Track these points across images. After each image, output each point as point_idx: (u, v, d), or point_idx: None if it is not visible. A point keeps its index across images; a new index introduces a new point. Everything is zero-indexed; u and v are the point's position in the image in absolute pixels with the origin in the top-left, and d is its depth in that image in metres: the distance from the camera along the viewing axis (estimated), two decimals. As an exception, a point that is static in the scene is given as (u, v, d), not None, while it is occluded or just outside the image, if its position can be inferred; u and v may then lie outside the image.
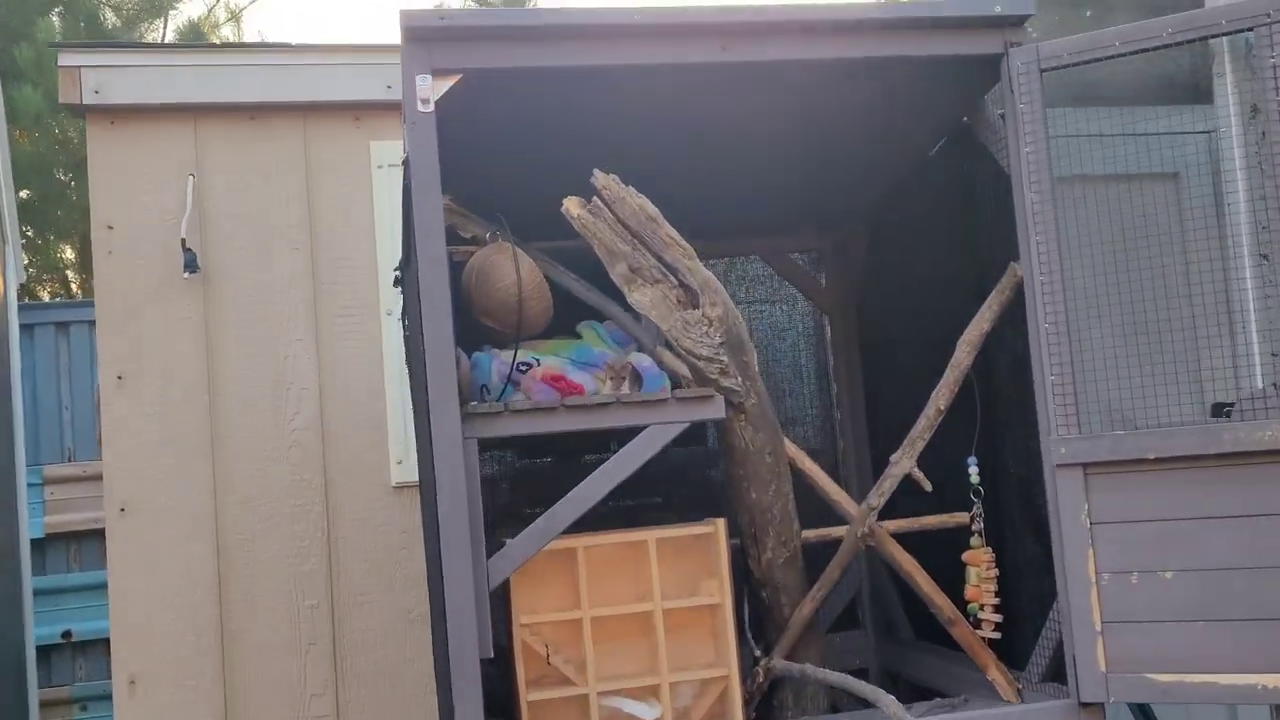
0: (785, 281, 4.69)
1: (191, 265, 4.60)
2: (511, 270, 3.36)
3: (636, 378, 3.47)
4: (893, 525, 3.76)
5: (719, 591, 3.49)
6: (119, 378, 4.62)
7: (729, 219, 4.35)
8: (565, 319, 4.02)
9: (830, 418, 4.71)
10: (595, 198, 3.33)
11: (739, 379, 3.45)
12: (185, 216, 4.63)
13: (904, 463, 3.56)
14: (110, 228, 4.66)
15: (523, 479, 4.53)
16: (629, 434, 3.39)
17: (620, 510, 4.13)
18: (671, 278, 3.37)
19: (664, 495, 4.43)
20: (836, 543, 3.75)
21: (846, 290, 4.63)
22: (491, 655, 3.18)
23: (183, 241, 4.60)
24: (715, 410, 3.38)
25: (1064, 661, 3.40)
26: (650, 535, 3.48)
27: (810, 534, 3.80)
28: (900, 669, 4.37)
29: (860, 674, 4.55)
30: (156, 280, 4.66)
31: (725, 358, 3.39)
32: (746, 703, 3.66)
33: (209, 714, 4.58)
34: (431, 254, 3.18)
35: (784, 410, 4.68)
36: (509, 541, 3.26)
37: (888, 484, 3.58)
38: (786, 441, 3.64)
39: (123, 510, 4.59)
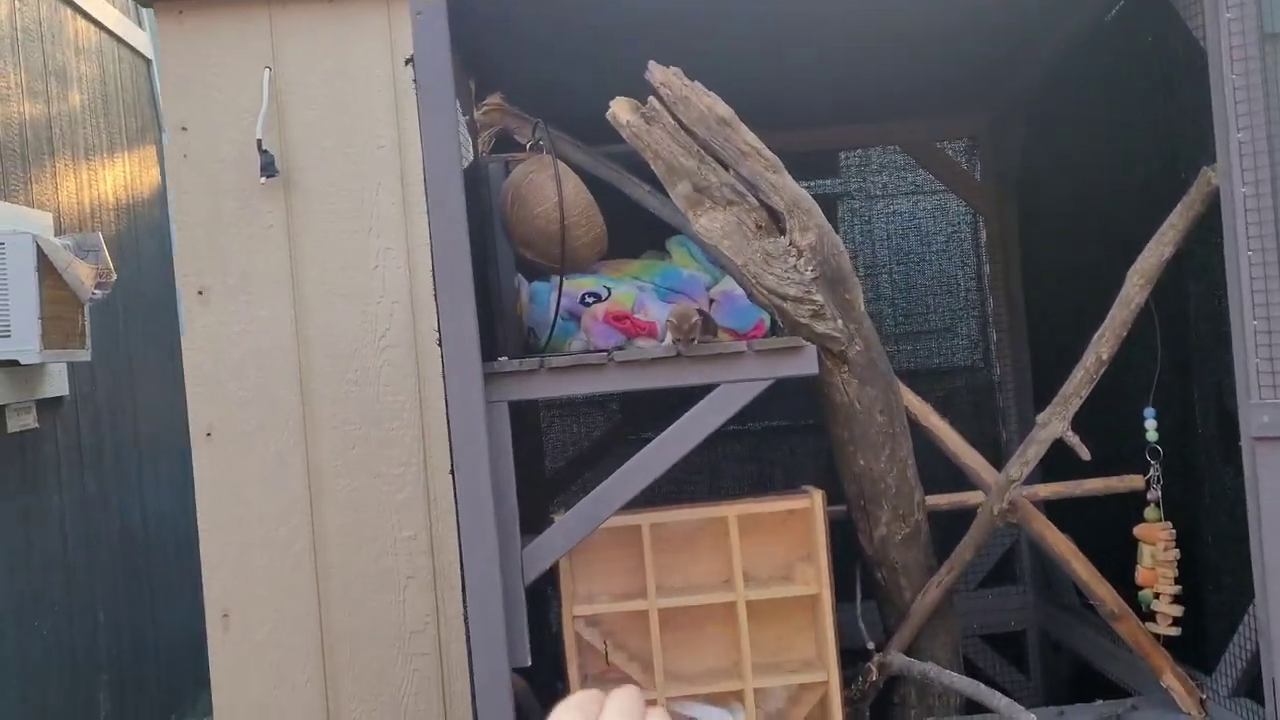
0: (930, 174, 3.70)
1: (269, 169, 3.90)
2: (552, 191, 2.52)
3: (707, 326, 2.62)
4: (1044, 490, 2.83)
5: (816, 579, 2.66)
6: (199, 293, 3.98)
7: (860, 100, 3.38)
8: (654, 235, 3.17)
9: (985, 336, 3.75)
10: (652, 99, 2.45)
11: (838, 321, 2.56)
12: (261, 114, 3.92)
13: (1054, 425, 2.62)
14: (184, 129, 3.98)
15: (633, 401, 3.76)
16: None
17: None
18: (749, 198, 2.48)
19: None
20: (973, 512, 2.86)
21: (1004, 184, 3.61)
22: (528, 663, 2.44)
23: (259, 143, 3.89)
24: (805, 364, 2.50)
25: (1261, 676, 2.46)
26: (731, 510, 2.66)
27: (940, 500, 2.91)
28: (1063, 638, 3.47)
29: (1016, 638, 3.68)
30: (236, 185, 3.98)
31: (819, 296, 2.50)
32: (856, 703, 2.84)
33: (306, 651, 4.02)
34: (440, 168, 2.37)
35: (930, 325, 3.74)
36: (549, 529, 2.49)
37: (1032, 451, 2.65)
38: (907, 393, 2.74)
39: (209, 435, 3.99)
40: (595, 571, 2.69)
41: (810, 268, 2.49)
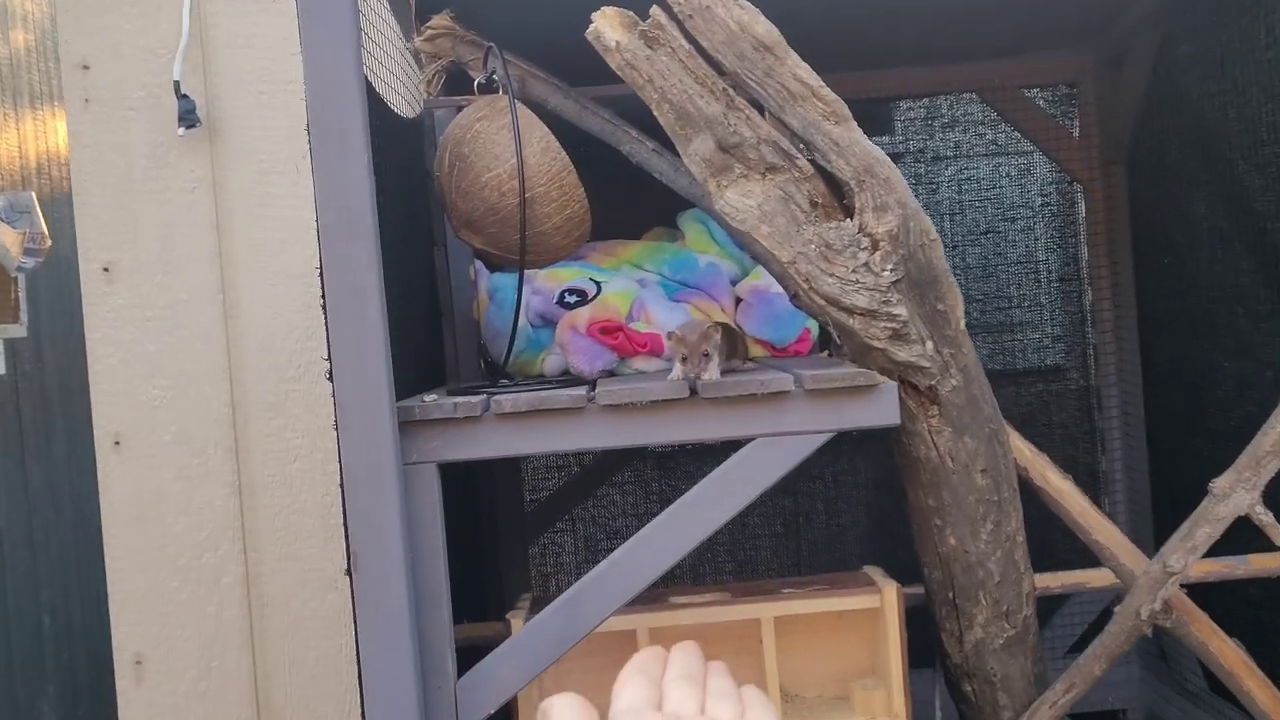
0: (1015, 130, 2.77)
1: (190, 118, 2.99)
2: (507, 149, 1.61)
3: (732, 345, 1.72)
4: (1199, 570, 1.93)
5: (886, 707, 1.78)
6: (105, 269, 3.09)
7: (926, 34, 2.44)
8: (661, 209, 2.27)
9: (1080, 335, 2.83)
10: (656, 9, 1.54)
11: (927, 345, 1.66)
12: (180, 50, 3.01)
13: (1238, 497, 1.72)
14: (85, 68, 3.08)
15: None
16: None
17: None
18: (799, 161, 1.57)
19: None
20: (1099, 597, 1.97)
21: (1112, 145, 2.68)
22: (464, 845, 1.58)
23: (176, 85, 2.99)
24: (881, 410, 1.60)
25: None
26: (766, 609, 1.77)
27: (1051, 582, 2.03)
28: (1178, 728, 2.59)
29: (1114, 716, 2.80)
30: (149, 138, 3.08)
31: (901, 309, 1.60)
32: None
33: (239, 706, 3.16)
34: (329, 108, 1.48)
35: (1009, 319, 2.83)
36: (495, 656, 1.60)
37: (1204, 533, 1.75)
38: (1016, 441, 1.84)
39: (117, 445, 3.11)
40: (569, 688, 1.82)
41: (889, 266, 1.59)
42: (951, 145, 2.80)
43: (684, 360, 1.56)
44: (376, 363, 1.50)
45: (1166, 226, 2.60)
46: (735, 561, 2.78)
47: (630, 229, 2.30)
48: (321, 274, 1.51)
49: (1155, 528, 2.66)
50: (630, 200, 2.18)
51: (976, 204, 2.81)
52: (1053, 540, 1.99)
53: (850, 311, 1.60)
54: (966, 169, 2.82)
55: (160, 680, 3.09)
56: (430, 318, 2.10)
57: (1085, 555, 2.50)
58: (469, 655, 1.64)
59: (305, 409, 3.07)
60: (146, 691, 3.10)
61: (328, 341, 1.53)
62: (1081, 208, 2.78)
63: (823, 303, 1.60)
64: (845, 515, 2.78)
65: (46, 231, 4.17)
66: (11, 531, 4.15)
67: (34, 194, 4.20)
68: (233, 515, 3.10)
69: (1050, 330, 2.82)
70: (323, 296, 1.51)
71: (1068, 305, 2.82)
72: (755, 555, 2.78)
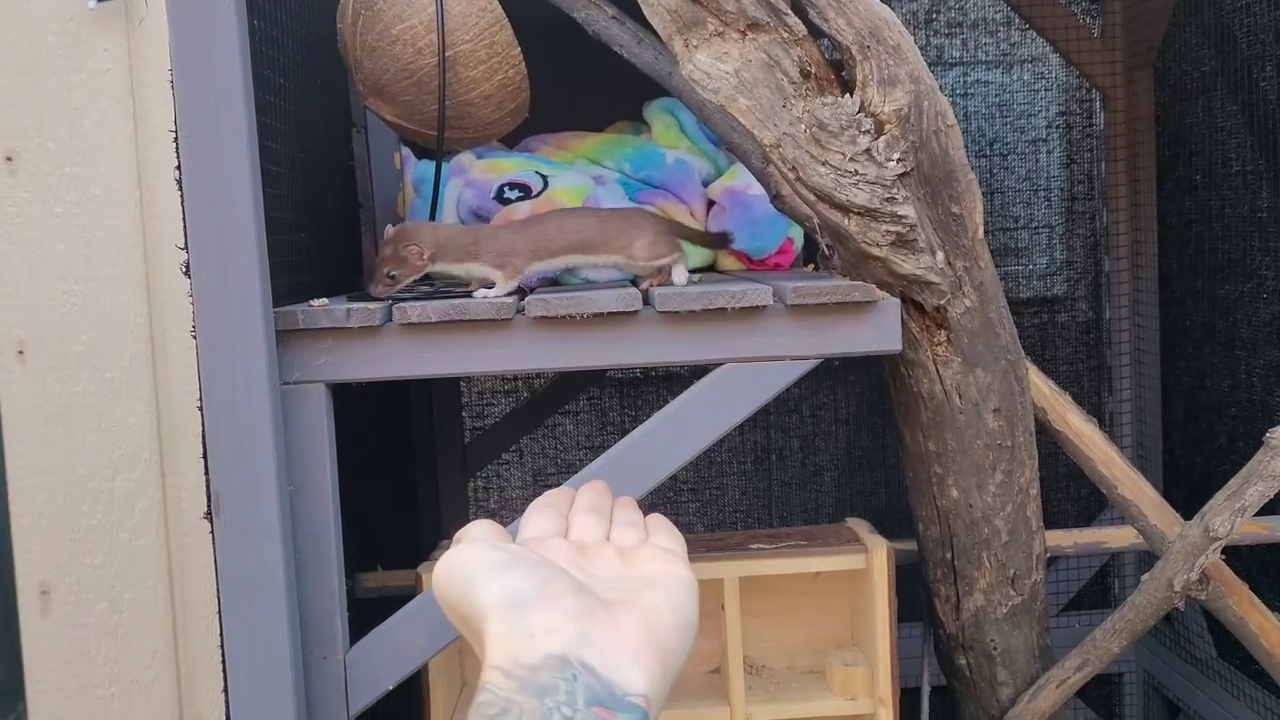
0: (1031, 30, 2.42)
1: (102, -12, 2.62)
2: (425, -5, 1.26)
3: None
4: (1239, 532, 1.62)
5: (868, 685, 1.48)
6: (8, 159, 2.72)
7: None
8: (624, 98, 1.93)
9: (1093, 261, 2.51)
10: None
11: (937, 255, 1.33)
12: (91, -95, 2.62)
13: (1304, 450, 1.40)
14: (-16, -72, 2.69)
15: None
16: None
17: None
18: (789, 19, 1.23)
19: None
20: (1114, 560, 1.66)
21: (1138, 50, 2.34)
22: None
23: (86, -52, 2.61)
24: (879, 333, 1.27)
25: None
26: (729, 568, 1.46)
27: (1064, 540, 1.72)
28: (1184, 698, 2.31)
29: (1109, 682, 2.52)
30: (57, 11, 2.70)
31: (908, 210, 1.27)
32: None
33: (155, 643, 2.85)
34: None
35: (1014, 241, 2.50)
36: (393, 620, 1.28)
37: (1255, 492, 1.43)
38: (1035, 377, 1.52)
39: (20, 354, 2.76)
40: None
41: (895, 154, 1.25)
42: (960, 47, 2.45)
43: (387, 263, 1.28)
44: (246, 255, 1.16)
45: (1196, 143, 2.27)
46: (700, 501, 2.48)
47: (587, 122, 1.95)
48: (176, 139, 1.16)
49: (1165, 478, 2.36)
50: (587, 87, 1.83)
51: (982, 112, 2.46)
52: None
53: (846, 210, 1.27)
54: (972, 72, 2.47)
55: (68, 612, 2.77)
56: (345, 213, 1.76)
57: (1084, 506, 2.24)
58: (386, 609, 1.33)
59: (232, 320, 2.74)
60: (52, 624, 2.79)
61: (184, 225, 1.19)
62: (1100, 119, 2.44)
63: (812, 198, 1.26)
64: (823, 454, 2.47)
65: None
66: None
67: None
68: (149, 435, 2.76)
69: (1058, 256, 2.49)
70: (177, 169, 1.17)
71: (1079, 228, 2.49)
72: (721, 495, 2.47)
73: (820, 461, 2.47)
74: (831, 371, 2.54)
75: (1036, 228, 2.48)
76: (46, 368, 2.73)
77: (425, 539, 2.23)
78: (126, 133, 2.71)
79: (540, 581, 0.68)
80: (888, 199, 1.27)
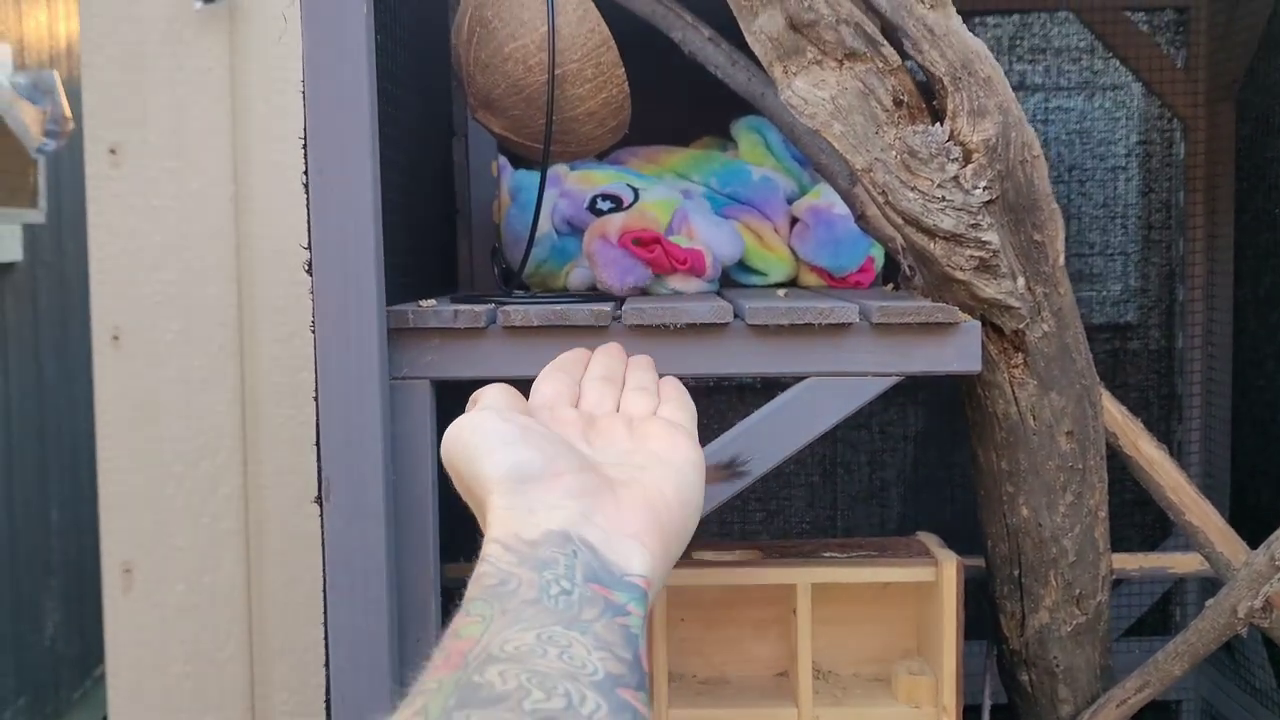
0: (1112, 57, 2.46)
1: (208, -11, 2.73)
2: (538, 14, 1.34)
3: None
4: (1299, 565, 1.65)
5: (932, 695, 1.53)
6: (111, 151, 2.84)
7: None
8: (715, 114, 1.99)
9: (1168, 290, 2.53)
10: None
11: (1018, 281, 1.39)
12: (201, -90, 2.74)
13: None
14: (99, -70, 2.81)
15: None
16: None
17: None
18: (885, 49, 1.29)
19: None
20: (1177, 588, 1.70)
21: (1221, 79, 2.37)
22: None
23: (194, -50, 2.72)
24: (960, 354, 1.33)
25: None
26: (801, 575, 1.52)
27: (1129, 563, 1.76)
28: (1241, 728, 2.33)
29: (1166, 710, 2.54)
30: (163, 11, 2.81)
31: (992, 237, 1.33)
32: None
33: (230, 623, 2.95)
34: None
35: (1089, 268, 2.53)
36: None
37: (1326, 523, 1.48)
38: (1108, 403, 1.57)
39: (115, 339, 2.88)
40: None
41: (982, 183, 1.31)
42: (1042, 73, 2.49)
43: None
44: (364, 256, 1.24)
45: (1276, 176, 2.29)
46: (766, 511, 2.53)
47: (676, 137, 2.02)
48: (305, 144, 1.25)
49: (1232, 508, 2.38)
50: (678, 103, 1.90)
51: (1062, 138, 2.50)
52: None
53: (932, 234, 1.32)
54: (1054, 98, 2.51)
55: (149, 590, 2.89)
56: (443, 219, 1.85)
57: (1148, 533, 2.26)
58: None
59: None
60: (133, 600, 2.91)
61: (308, 226, 1.27)
62: (1180, 149, 2.47)
63: (900, 221, 1.32)
64: (889, 469, 2.51)
65: (69, 114, 3.94)
66: (23, 422, 3.97)
67: (57, 74, 3.96)
68: (234, 423, 2.88)
69: (1133, 283, 2.52)
70: (305, 172, 1.25)
71: (1155, 256, 2.51)
72: (788, 505, 2.53)
73: (887, 477, 2.52)
74: (901, 389, 2.58)
75: (1112, 254, 2.51)
76: (139, 354, 2.86)
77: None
78: (225, 130, 2.84)
79: (546, 457, 0.68)
80: (973, 225, 1.33)
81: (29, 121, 3.83)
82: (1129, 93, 2.50)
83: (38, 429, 4.05)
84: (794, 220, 1.83)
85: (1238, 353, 2.39)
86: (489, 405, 0.74)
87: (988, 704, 1.74)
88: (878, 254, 1.79)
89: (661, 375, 0.92)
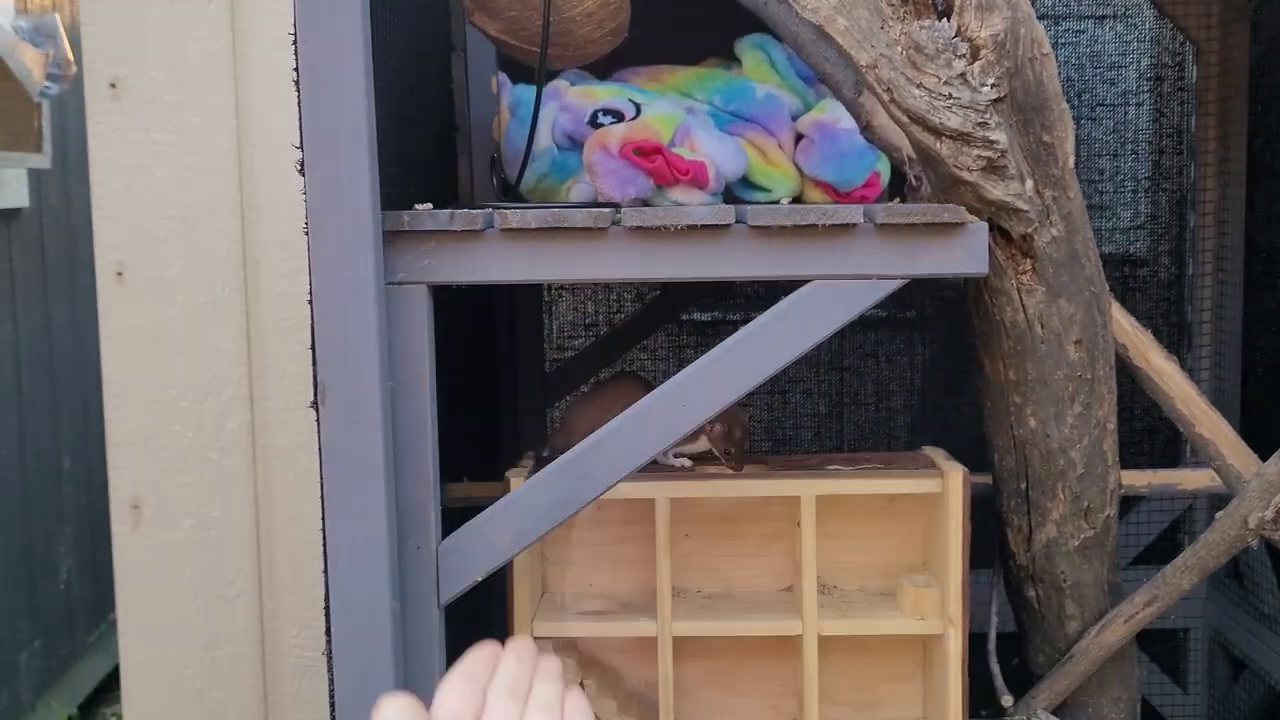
0: (1127, -20, 2.41)
1: (206, -80, 2.68)
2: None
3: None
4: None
5: (938, 607, 1.51)
6: (111, 85, 2.81)
7: None
8: (718, 34, 1.94)
9: (1178, 225, 2.49)
10: None
11: (1026, 183, 1.35)
12: None
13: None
14: None
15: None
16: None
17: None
18: (892, -61, 1.25)
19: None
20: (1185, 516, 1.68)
21: (1236, 1, 2.31)
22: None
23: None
24: (967, 255, 1.30)
25: None
26: (806, 486, 1.50)
27: (1139, 480, 1.74)
28: (1250, 655, 2.31)
29: (1174, 638, 2.53)
30: (164, -58, 2.77)
31: (1000, 136, 1.29)
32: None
33: (239, 559, 2.95)
34: None
35: (1099, 196, 2.49)
36: (483, 517, 1.34)
37: (1338, 431, 1.45)
38: (1118, 314, 1.54)
39: (119, 276, 2.86)
40: (574, 561, 1.56)
41: (990, 80, 1.27)
42: (1050, 1, 2.44)
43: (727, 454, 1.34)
44: (358, 155, 1.21)
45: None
46: (773, 440, 2.51)
47: (679, 59, 1.98)
48: (295, 39, 1.21)
49: (1241, 434, 2.35)
50: (680, 26, 1.86)
51: (1073, 63, 2.45)
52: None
53: (938, 133, 1.29)
54: (1063, 24, 2.46)
55: (157, 526, 2.88)
56: (443, 136, 1.81)
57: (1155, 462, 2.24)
58: (469, 519, 1.38)
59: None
60: (142, 537, 2.90)
61: (299, 124, 1.24)
62: (1192, 73, 2.42)
63: (906, 120, 1.29)
64: (897, 398, 2.49)
65: (72, 57, 3.90)
66: (33, 370, 3.95)
67: (59, 17, 3.92)
68: (240, 359, 2.85)
69: (1143, 210, 2.48)
70: (295, 69, 1.22)
71: (1165, 183, 2.47)
72: (795, 436, 2.51)
73: (894, 406, 2.49)
74: (908, 322, 2.56)
75: (1122, 181, 2.47)
76: (143, 290, 2.84)
77: (504, 460, 2.29)
78: (225, 64, 2.79)
79: None
80: (980, 124, 1.29)
81: (31, 65, 3.79)
82: (1140, 16, 2.45)
83: (48, 377, 4.04)
84: (798, 137, 1.80)
85: (1249, 278, 2.35)
86: None
87: (994, 620, 1.72)
88: (883, 169, 1.75)
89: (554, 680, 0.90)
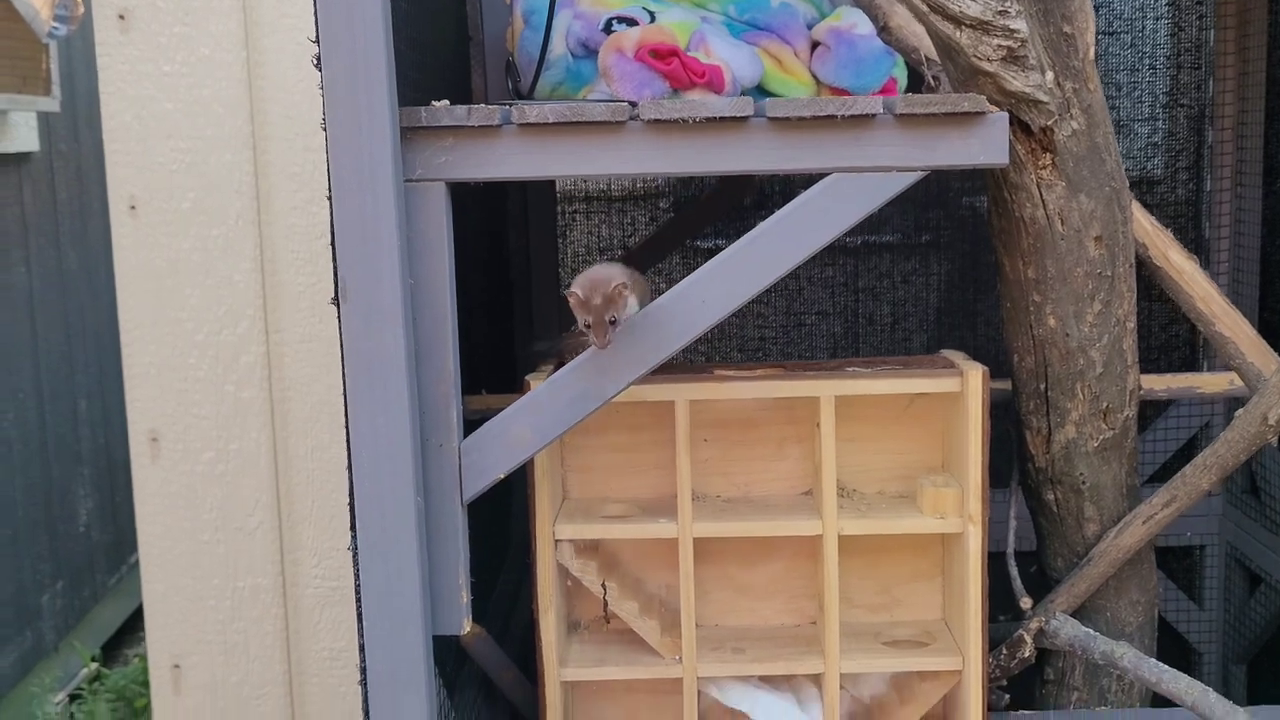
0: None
1: None
2: None
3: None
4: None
5: (957, 507, 1.52)
6: (120, 16, 2.79)
7: None
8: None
9: (1196, 134, 2.47)
10: None
11: (1046, 75, 1.34)
12: None
13: None
14: None
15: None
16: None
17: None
18: None
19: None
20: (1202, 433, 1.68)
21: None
22: (463, 630, 1.35)
23: None
24: (986, 145, 1.29)
25: None
26: (825, 386, 1.49)
27: (1157, 384, 1.73)
28: (1268, 569, 2.31)
29: (1189, 555, 2.54)
30: None
31: (1020, 25, 1.28)
32: (998, 679, 1.72)
33: (257, 490, 2.97)
34: None
35: (1114, 114, 2.46)
36: (506, 413, 1.34)
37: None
38: (1138, 213, 1.53)
39: (132, 209, 2.86)
40: (593, 467, 1.57)
41: (1011, -32, 1.26)
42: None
43: (587, 327, 1.29)
44: (374, 48, 1.20)
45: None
46: (788, 358, 2.51)
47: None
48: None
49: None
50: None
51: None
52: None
53: (958, 21, 1.28)
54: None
55: (176, 459, 2.90)
56: (457, 45, 1.80)
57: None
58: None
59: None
60: (161, 469, 2.92)
61: (315, 18, 1.23)
62: (1210, -20, 2.40)
63: (925, 9, 1.27)
64: (913, 319, 2.48)
65: (78, -1, 3.88)
66: (46, 314, 3.96)
67: (65, -43, 3.90)
68: (254, 292, 2.86)
69: (1161, 125, 2.46)
70: (311, -40, 1.21)
71: (1183, 99, 2.45)
72: (810, 355, 2.50)
73: (910, 327, 2.49)
74: (923, 246, 2.54)
75: (1140, 97, 2.45)
76: (156, 223, 2.84)
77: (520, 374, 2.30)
78: (236, -12, 2.79)
79: None
80: (1000, 12, 1.28)
81: (38, 5, 3.77)
82: (1158, -73, 2.42)
83: (62, 320, 4.04)
84: (814, 45, 1.78)
85: (1267, 192, 2.33)
86: None
87: (1011, 528, 1.72)
88: (900, 74, 1.73)
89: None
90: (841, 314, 2.49)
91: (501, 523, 2.11)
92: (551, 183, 2.38)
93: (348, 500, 1.30)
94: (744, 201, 2.51)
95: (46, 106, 3.92)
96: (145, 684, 3.55)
